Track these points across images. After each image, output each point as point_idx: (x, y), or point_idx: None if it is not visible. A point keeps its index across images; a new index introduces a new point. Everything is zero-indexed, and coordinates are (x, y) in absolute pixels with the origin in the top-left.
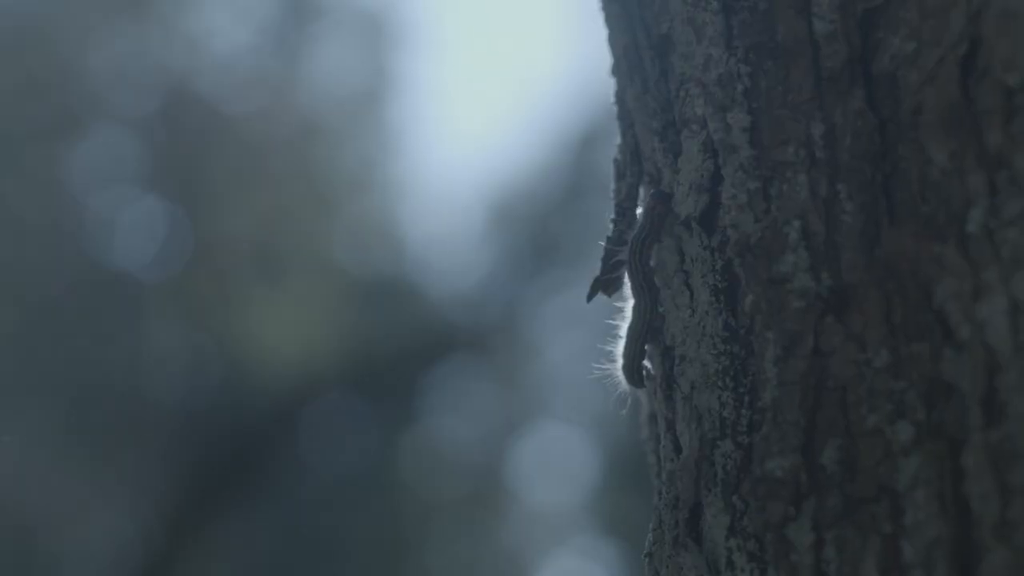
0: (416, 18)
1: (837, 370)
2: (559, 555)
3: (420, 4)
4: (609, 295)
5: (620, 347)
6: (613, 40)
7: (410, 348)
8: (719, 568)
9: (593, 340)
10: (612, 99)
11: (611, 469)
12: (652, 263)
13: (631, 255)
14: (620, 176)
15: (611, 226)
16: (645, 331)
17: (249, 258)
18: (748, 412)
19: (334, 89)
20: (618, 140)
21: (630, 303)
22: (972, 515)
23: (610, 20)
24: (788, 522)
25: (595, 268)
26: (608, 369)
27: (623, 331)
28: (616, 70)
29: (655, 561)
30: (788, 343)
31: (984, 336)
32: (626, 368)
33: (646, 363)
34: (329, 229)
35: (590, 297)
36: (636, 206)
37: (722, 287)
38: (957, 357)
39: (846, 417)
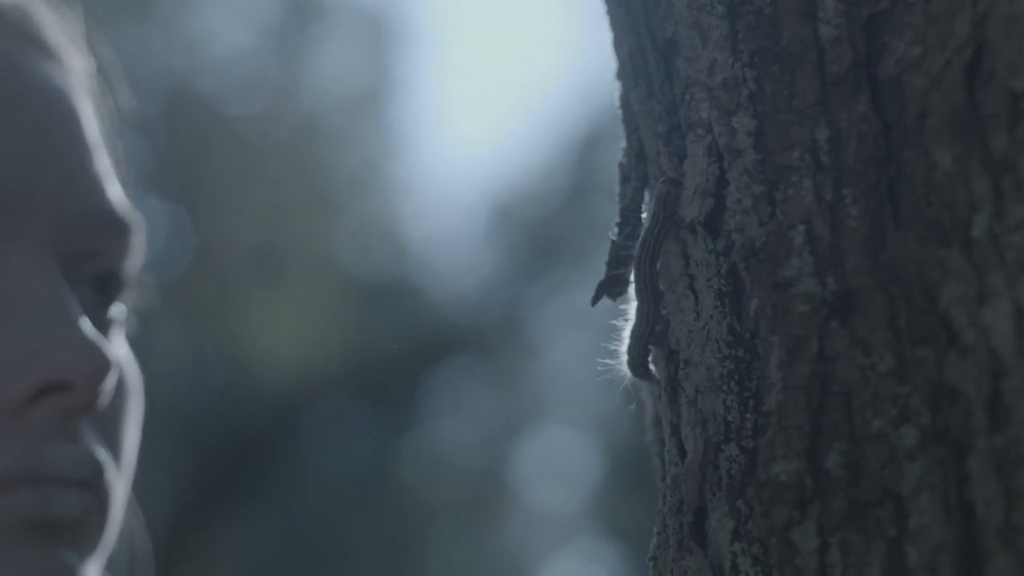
0: (418, 19)
1: (842, 374)
2: (561, 557)
3: (422, 5)
4: (614, 298)
5: (624, 347)
6: (618, 43)
7: (411, 349)
8: (724, 572)
9: (595, 341)
10: (616, 102)
11: (613, 471)
12: (659, 263)
13: (641, 250)
14: (625, 180)
15: (616, 230)
16: (649, 331)
17: (250, 259)
18: (753, 416)
19: (336, 90)
20: (622, 143)
21: (633, 305)
22: (976, 519)
23: (615, 23)
24: (793, 526)
25: (599, 270)
26: (612, 364)
27: (626, 334)
28: (621, 74)
29: (659, 565)
30: (793, 347)
31: (989, 340)
32: (631, 364)
33: (650, 363)
34: (330, 230)
35: (595, 301)
36: (641, 210)
37: (727, 291)
38: (961, 361)
39: (851, 421)
